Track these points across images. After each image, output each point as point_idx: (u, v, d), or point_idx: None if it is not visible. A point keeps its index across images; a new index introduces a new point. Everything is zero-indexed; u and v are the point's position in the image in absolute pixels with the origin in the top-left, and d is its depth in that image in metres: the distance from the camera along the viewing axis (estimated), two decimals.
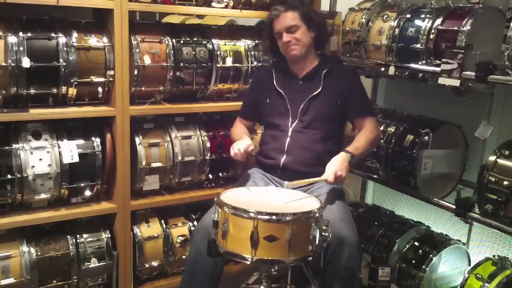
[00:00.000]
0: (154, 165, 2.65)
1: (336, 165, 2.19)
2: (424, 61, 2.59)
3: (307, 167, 2.37)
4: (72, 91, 2.40)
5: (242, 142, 2.32)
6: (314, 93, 2.43)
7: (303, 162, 2.38)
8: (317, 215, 1.88)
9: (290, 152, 2.40)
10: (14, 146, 2.31)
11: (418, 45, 2.59)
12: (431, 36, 2.54)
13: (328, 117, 2.44)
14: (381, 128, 2.92)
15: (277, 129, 2.47)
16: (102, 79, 2.45)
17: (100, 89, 2.46)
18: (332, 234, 1.96)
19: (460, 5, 2.58)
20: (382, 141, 2.86)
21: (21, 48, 2.23)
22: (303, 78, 2.50)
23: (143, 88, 2.58)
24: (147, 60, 2.54)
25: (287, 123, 2.44)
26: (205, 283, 2.20)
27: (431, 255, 2.64)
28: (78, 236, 2.51)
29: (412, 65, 2.65)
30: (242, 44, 2.87)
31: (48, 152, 2.36)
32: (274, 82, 2.51)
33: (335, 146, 2.44)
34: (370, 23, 2.93)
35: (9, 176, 2.27)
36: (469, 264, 2.74)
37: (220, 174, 2.88)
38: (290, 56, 2.45)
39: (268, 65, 2.75)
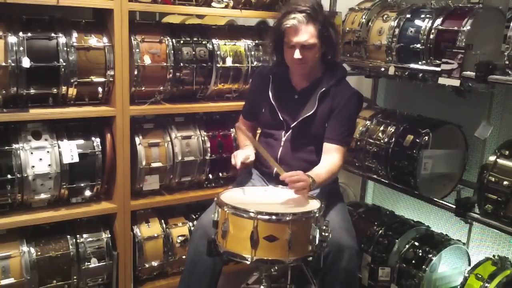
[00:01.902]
0: (154, 165, 2.65)
1: (303, 178, 2.04)
2: (424, 61, 2.59)
3: None
4: (72, 91, 2.40)
5: (241, 152, 2.34)
6: (307, 115, 2.32)
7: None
8: (317, 215, 1.88)
9: (283, 162, 2.35)
10: (14, 146, 2.31)
11: (418, 45, 2.59)
12: (431, 36, 2.54)
13: (320, 136, 2.33)
14: (381, 128, 2.93)
15: (271, 138, 2.43)
16: (102, 79, 2.45)
17: (100, 89, 2.46)
18: (332, 242, 1.97)
19: (460, 5, 2.58)
20: (382, 141, 2.86)
21: (21, 48, 2.23)
22: (300, 93, 2.38)
23: (143, 88, 2.58)
24: (147, 60, 2.54)
25: (280, 133, 2.38)
26: (204, 283, 2.21)
27: (431, 255, 2.64)
28: (78, 236, 2.51)
29: (412, 65, 2.65)
30: (242, 44, 2.87)
31: (48, 152, 2.36)
32: (270, 93, 2.41)
33: None
34: (370, 23, 2.93)
35: (9, 176, 2.28)
36: (469, 264, 2.74)
37: (220, 174, 2.88)
38: (296, 72, 2.36)
39: (267, 67, 2.62)
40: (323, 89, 2.33)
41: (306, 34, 2.21)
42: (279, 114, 2.37)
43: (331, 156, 2.27)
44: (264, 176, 2.46)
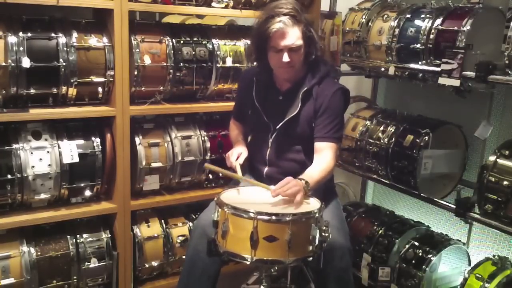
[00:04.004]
0: (154, 165, 2.65)
1: (293, 183, 2.01)
2: (424, 61, 2.60)
3: (291, 176, 2.35)
4: (72, 91, 2.40)
5: (234, 152, 2.38)
6: (292, 115, 2.30)
7: (285, 172, 2.29)
8: (317, 215, 1.88)
9: (272, 163, 2.36)
10: (14, 146, 2.31)
11: (418, 45, 2.59)
12: (431, 36, 2.54)
13: (307, 136, 2.32)
14: (381, 128, 2.93)
15: (259, 140, 2.42)
16: (102, 79, 2.45)
17: (100, 89, 2.46)
18: None
19: (460, 5, 2.58)
20: (382, 141, 2.87)
21: (21, 48, 2.22)
22: (284, 94, 2.36)
23: (143, 88, 2.58)
24: (147, 60, 2.54)
25: (267, 134, 2.37)
26: (202, 282, 2.21)
27: (431, 255, 2.64)
28: (78, 236, 2.51)
29: (412, 65, 2.66)
30: (242, 44, 2.87)
31: (48, 152, 2.36)
32: (254, 95, 2.40)
33: None
34: (370, 23, 2.93)
35: (9, 176, 2.27)
36: (469, 264, 2.74)
37: (220, 174, 2.87)
38: (282, 76, 2.34)
39: (252, 69, 2.57)
40: (305, 88, 2.30)
41: (293, 36, 2.18)
42: (264, 117, 2.36)
43: (322, 155, 2.24)
44: (257, 179, 2.46)
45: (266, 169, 2.39)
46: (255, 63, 2.43)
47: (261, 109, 2.37)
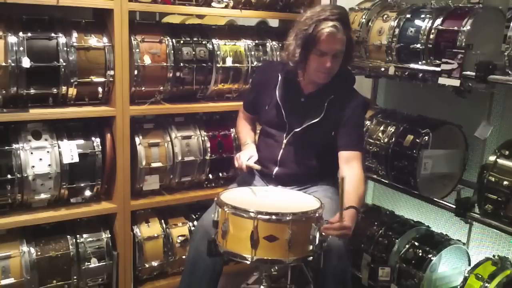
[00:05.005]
0: (154, 165, 2.65)
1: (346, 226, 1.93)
2: (424, 61, 2.59)
3: (300, 179, 2.34)
4: (72, 91, 2.40)
5: (245, 154, 2.35)
6: (314, 121, 2.29)
7: (295, 174, 2.33)
8: (317, 215, 1.88)
9: (283, 164, 2.35)
10: (14, 146, 2.31)
11: (418, 45, 2.59)
12: (431, 36, 2.54)
13: (324, 143, 2.32)
14: (381, 128, 2.93)
15: (272, 139, 2.40)
16: (102, 79, 2.45)
17: (100, 89, 2.47)
18: None
19: (460, 5, 2.58)
20: (382, 141, 2.86)
21: (21, 48, 2.23)
22: (307, 97, 2.35)
23: (143, 88, 2.58)
24: (147, 60, 2.54)
25: (282, 134, 2.35)
26: (204, 282, 2.21)
27: (431, 255, 2.64)
28: (78, 236, 2.51)
29: (412, 65, 2.65)
30: (242, 44, 2.87)
31: (48, 152, 2.36)
32: (277, 91, 2.37)
33: (330, 159, 2.32)
34: (370, 23, 2.93)
35: (9, 176, 2.28)
36: (469, 264, 2.74)
37: (220, 174, 2.88)
38: (318, 80, 2.29)
39: (277, 64, 2.54)
40: (332, 96, 2.29)
41: (341, 42, 2.20)
42: (284, 116, 2.35)
43: (352, 167, 2.21)
44: (264, 178, 2.46)
45: (276, 169, 2.37)
46: (289, 62, 2.31)
47: (283, 108, 2.34)
